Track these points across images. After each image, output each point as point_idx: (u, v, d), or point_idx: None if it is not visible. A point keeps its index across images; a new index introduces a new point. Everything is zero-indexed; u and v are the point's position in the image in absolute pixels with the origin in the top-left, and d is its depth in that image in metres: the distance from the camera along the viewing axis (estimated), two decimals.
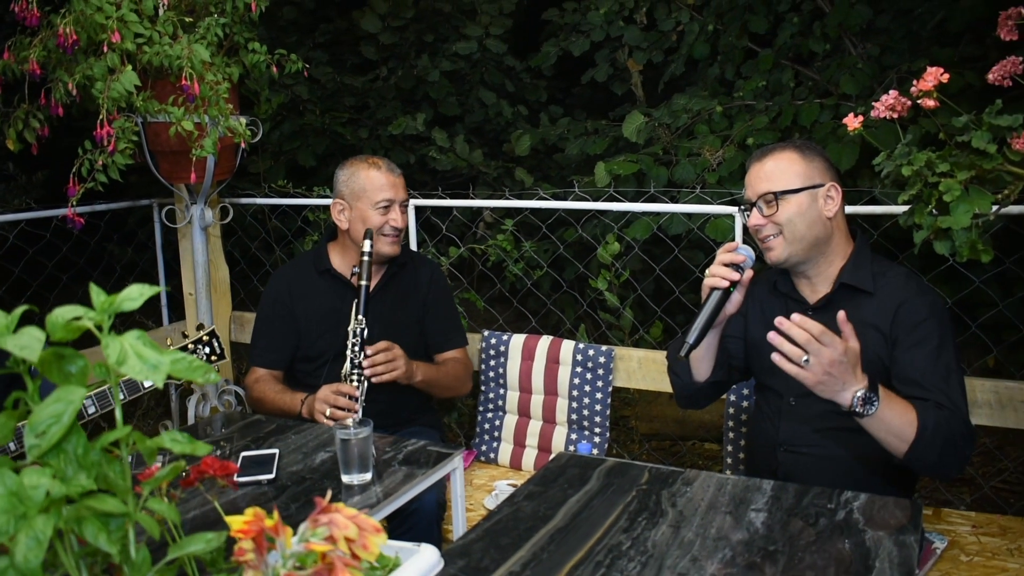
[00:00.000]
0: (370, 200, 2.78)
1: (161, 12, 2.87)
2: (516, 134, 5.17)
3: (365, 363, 2.60)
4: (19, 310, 1.23)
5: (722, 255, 2.12)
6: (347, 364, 2.60)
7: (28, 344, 1.13)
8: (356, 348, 2.60)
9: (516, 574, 1.55)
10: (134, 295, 1.19)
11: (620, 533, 1.69)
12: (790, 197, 2.12)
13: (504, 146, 5.91)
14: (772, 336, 1.83)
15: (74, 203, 2.77)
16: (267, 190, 3.86)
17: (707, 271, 2.12)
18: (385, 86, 5.99)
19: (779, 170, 2.15)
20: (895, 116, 2.42)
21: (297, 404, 2.69)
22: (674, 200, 3.55)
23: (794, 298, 2.25)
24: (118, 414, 1.20)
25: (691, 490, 1.87)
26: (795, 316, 1.82)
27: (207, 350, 2.63)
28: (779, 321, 1.82)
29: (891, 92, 2.42)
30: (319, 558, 1.21)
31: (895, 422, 1.88)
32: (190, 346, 2.59)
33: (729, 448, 2.79)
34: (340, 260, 2.92)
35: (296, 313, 2.87)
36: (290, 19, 6.18)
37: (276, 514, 1.22)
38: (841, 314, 1.85)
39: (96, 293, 1.19)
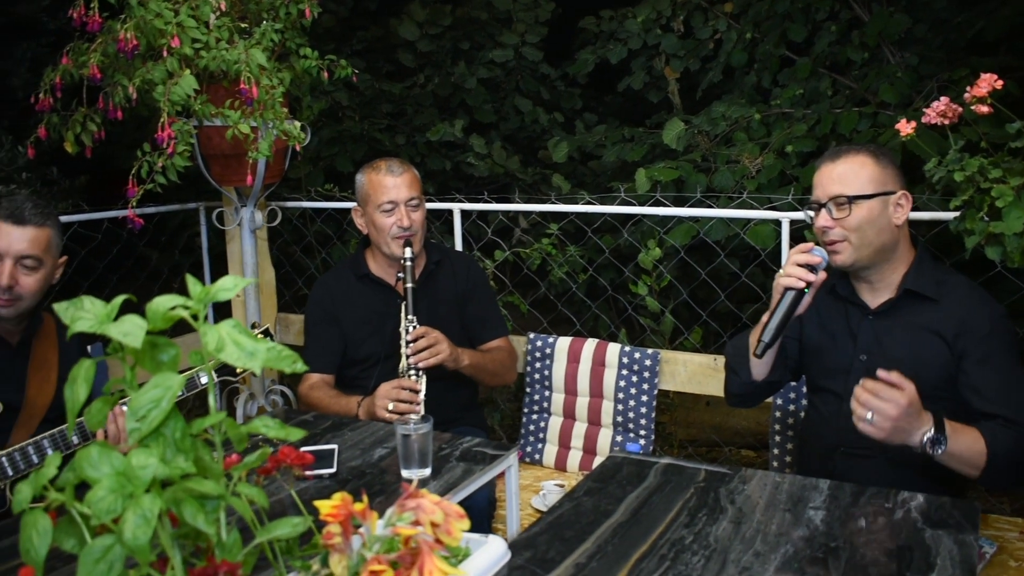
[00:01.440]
0: (375, 204, 2.83)
1: (215, 19, 2.94)
2: (553, 141, 5.21)
3: (408, 350, 2.66)
4: (118, 299, 1.28)
5: (797, 255, 2.12)
6: (403, 362, 2.66)
7: (131, 331, 1.17)
8: (408, 344, 2.66)
9: (583, 565, 1.58)
10: (228, 285, 1.24)
11: (682, 528, 1.71)
12: (862, 202, 2.12)
13: (540, 153, 5.96)
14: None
15: (134, 204, 2.84)
16: (313, 194, 3.92)
17: (780, 271, 2.13)
18: (422, 93, 6.05)
19: (852, 173, 2.15)
20: (945, 122, 2.45)
21: (353, 406, 2.72)
22: (715, 207, 3.58)
23: (854, 302, 2.27)
24: (212, 401, 1.24)
25: (748, 488, 1.89)
26: (858, 388, 1.90)
27: None
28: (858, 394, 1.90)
29: (942, 99, 2.45)
30: (402, 543, 1.25)
31: (965, 454, 1.95)
32: None
33: (775, 451, 2.80)
34: (375, 265, 2.97)
35: (340, 318, 2.91)
36: (328, 27, 6.26)
37: (365, 499, 1.26)
38: (884, 374, 1.89)
39: (193, 283, 1.23)
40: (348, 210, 3.95)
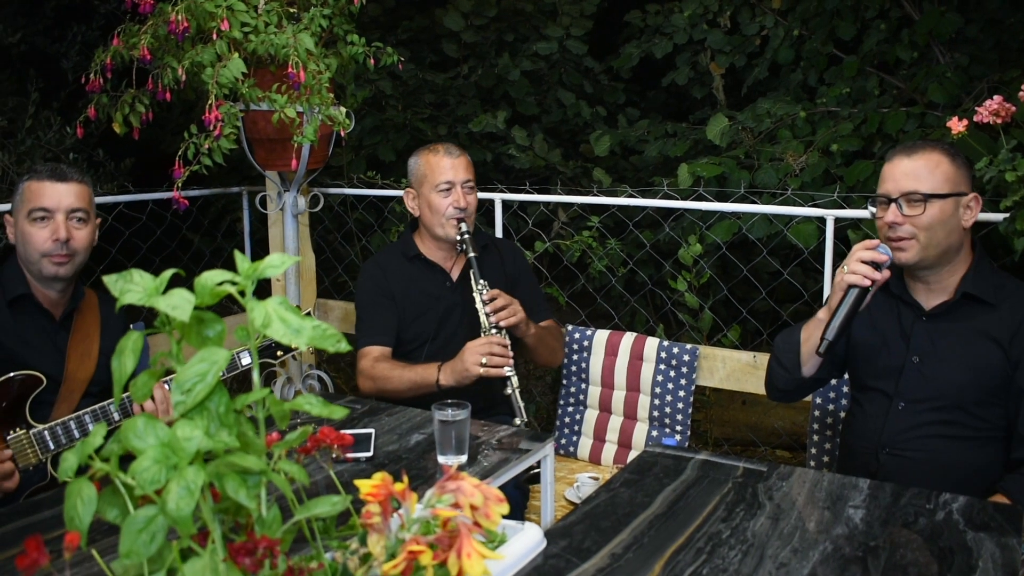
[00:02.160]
0: (431, 184, 2.88)
1: (264, 3, 2.96)
2: (595, 134, 5.19)
3: (488, 310, 2.72)
4: (167, 273, 1.30)
5: (863, 252, 2.07)
6: (484, 321, 2.74)
7: (179, 304, 1.18)
8: (486, 304, 2.74)
9: (619, 556, 1.57)
10: (276, 263, 1.24)
11: (719, 522, 1.70)
12: (936, 202, 2.08)
13: (581, 147, 5.93)
14: None
15: (179, 185, 2.87)
16: (355, 181, 3.94)
17: (844, 267, 2.09)
18: (465, 84, 6.05)
19: (927, 170, 2.10)
20: (998, 121, 2.41)
21: (433, 372, 2.73)
22: (758, 203, 3.55)
23: (907, 301, 2.23)
24: (255, 376, 1.25)
25: (787, 485, 1.88)
26: None
27: None
28: None
29: (995, 97, 2.41)
30: (441, 525, 1.25)
31: None
32: None
33: (813, 451, 2.77)
34: (425, 247, 2.99)
35: (394, 294, 2.94)
36: (374, 16, 6.28)
37: (406, 479, 1.26)
38: None
39: (241, 260, 1.24)
40: (389, 198, 3.97)
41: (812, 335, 2.19)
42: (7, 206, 2.44)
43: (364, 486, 1.27)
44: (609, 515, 1.74)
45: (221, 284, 1.20)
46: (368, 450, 2.16)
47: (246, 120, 3.16)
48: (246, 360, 2.56)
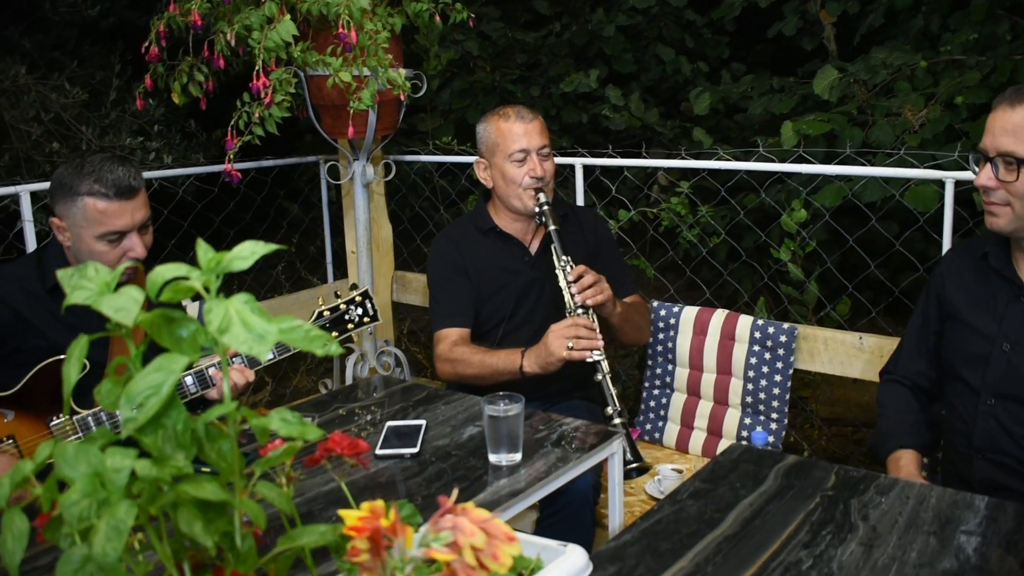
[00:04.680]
0: (504, 153, 2.66)
1: None
2: (694, 92, 4.84)
3: (574, 289, 2.51)
4: (121, 267, 1.12)
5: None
6: (568, 301, 2.53)
7: (124, 306, 1.01)
8: (571, 284, 2.53)
9: None
10: (244, 254, 1.05)
11: (800, 548, 1.44)
12: None
13: (682, 105, 5.59)
14: None
15: (231, 157, 2.72)
16: (432, 147, 3.74)
17: None
18: (558, 42, 5.77)
19: None
20: None
21: (517, 358, 2.52)
22: (869, 164, 3.17)
23: (1005, 276, 1.90)
24: (226, 388, 1.06)
25: (886, 501, 1.59)
26: None
27: (359, 311, 2.51)
28: None
29: None
30: (443, 565, 1.04)
31: None
32: (342, 306, 2.48)
33: None
34: (499, 220, 2.78)
35: (468, 271, 2.74)
36: None
37: (393, 513, 1.06)
38: None
39: (203, 251, 1.06)
40: (467, 165, 3.76)
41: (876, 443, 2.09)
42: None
43: (349, 517, 1.07)
44: (670, 535, 1.50)
45: (181, 279, 1.02)
46: (414, 445, 1.97)
47: (311, 86, 2.99)
48: None
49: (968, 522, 1.50)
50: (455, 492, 1.07)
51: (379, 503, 1.07)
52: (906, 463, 2.01)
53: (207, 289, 1.03)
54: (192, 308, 3.12)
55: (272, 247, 1.05)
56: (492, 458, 1.90)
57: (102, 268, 1.07)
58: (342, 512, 1.07)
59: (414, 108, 5.17)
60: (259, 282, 4.10)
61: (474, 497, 1.76)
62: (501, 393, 1.90)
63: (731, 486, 1.68)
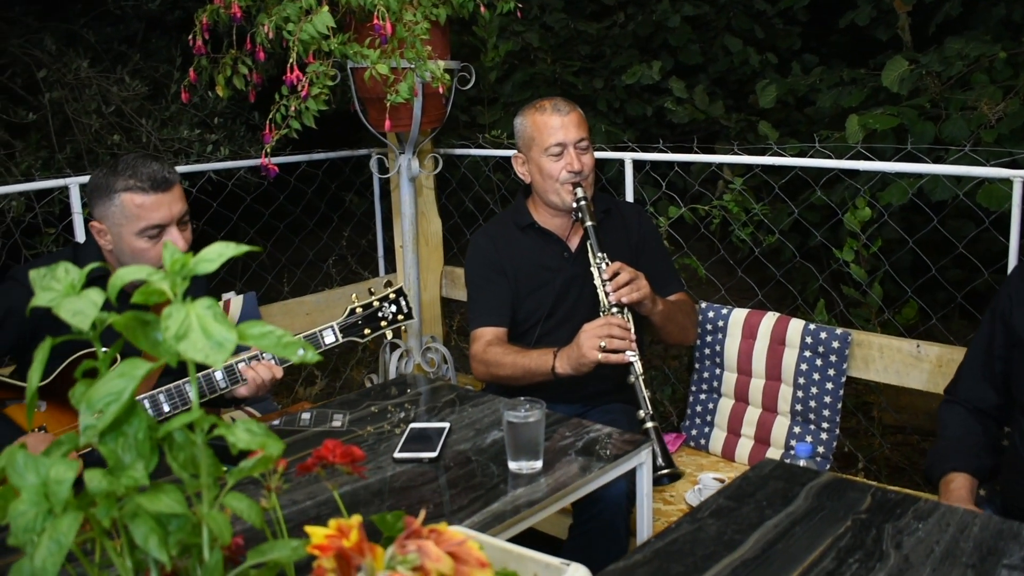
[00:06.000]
0: (541, 147, 2.58)
1: None
2: (761, 84, 4.67)
3: (609, 287, 2.43)
4: (88, 267, 1.08)
5: None
6: (603, 299, 2.45)
7: (82, 310, 0.97)
8: (606, 282, 2.45)
9: None
10: (211, 256, 1.01)
11: None
12: None
13: (749, 98, 5.42)
14: None
15: (268, 150, 2.70)
16: (480, 141, 3.68)
17: None
18: (622, 33, 5.65)
19: None
20: None
21: (549, 359, 2.46)
22: (939, 160, 2.99)
23: None
24: (194, 395, 1.01)
25: (924, 528, 1.47)
26: None
27: (393, 309, 2.47)
28: None
29: None
30: None
31: None
32: (375, 304, 2.44)
33: None
34: (538, 216, 2.71)
35: (506, 269, 2.68)
36: None
37: (356, 533, 1.00)
38: None
39: (170, 252, 1.01)
40: None
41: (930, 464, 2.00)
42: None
43: (316, 535, 1.01)
44: (685, 556, 1.41)
45: (142, 283, 0.98)
46: (434, 450, 1.92)
47: (357, 79, 2.96)
48: (329, 339, 2.38)
49: (1012, 555, 1.38)
50: (422, 513, 1.01)
51: (347, 522, 1.02)
52: (957, 487, 1.88)
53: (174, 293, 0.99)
54: (236, 301, 3.13)
55: (244, 248, 1.00)
56: (512, 465, 1.84)
57: (72, 269, 1.04)
58: (308, 529, 1.02)
59: (474, 100, 5.12)
60: (310, 276, 4.10)
61: (488, 506, 1.70)
62: (523, 398, 1.83)
63: (757, 504, 1.58)
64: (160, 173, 2.21)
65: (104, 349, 1.06)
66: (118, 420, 0.99)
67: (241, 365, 2.27)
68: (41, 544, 0.88)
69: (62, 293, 1.01)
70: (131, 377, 0.98)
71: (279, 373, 2.28)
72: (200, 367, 2.22)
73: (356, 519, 0.99)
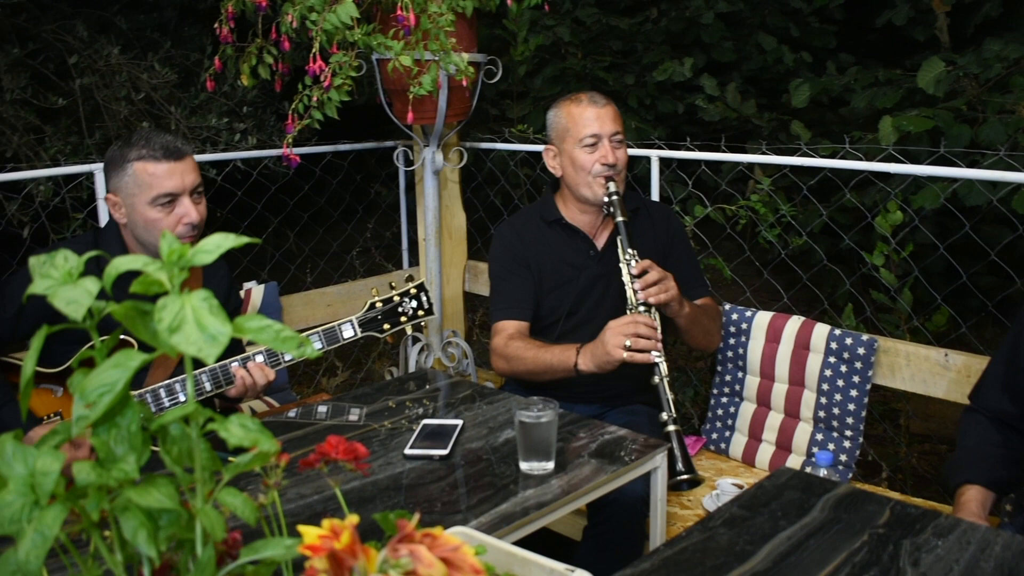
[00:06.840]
0: (575, 138, 2.54)
1: None
2: (795, 83, 4.60)
3: (637, 285, 2.39)
4: (87, 255, 1.07)
5: None
6: (630, 296, 2.41)
7: (76, 299, 0.96)
8: (635, 279, 2.41)
9: None
10: (209, 248, 0.99)
11: None
12: None
13: (783, 97, 5.34)
14: None
15: (290, 140, 2.69)
16: (506, 134, 3.65)
17: None
18: (654, 29, 5.58)
19: None
20: None
21: (571, 355, 2.42)
22: (974, 164, 2.92)
23: None
24: (190, 388, 1.00)
25: (943, 545, 1.42)
26: None
27: (414, 304, 2.45)
28: None
29: None
30: None
31: None
32: (395, 298, 2.42)
33: None
34: (566, 211, 2.68)
35: (530, 263, 2.65)
36: None
37: (347, 535, 0.97)
38: None
39: (167, 243, 0.99)
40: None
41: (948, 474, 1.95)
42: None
43: (308, 534, 0.99)
44: (694, 566, 1.38)
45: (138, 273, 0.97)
46: (445, 447, 1.89)
47: (383, 70, 2.94)
48: (347, 333, 2.36)
49: None
50: (416, 516, 0.98)
51: (340, 522, 0.99)
52: (968, 499, 1.83)
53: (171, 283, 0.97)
54: (257, 291, 3.12)
55: (243, 240, 0.98)
56: (523, 466, 1.81)
57: (71, 256, 1.03)
58: (301, 528, 1.00)
59: (504, 95, 5.08)
60: (334, 267, 4.09)
61: (498, 507, 1.67)
62: (536, 398, 1.80)
63: (771, 515, 1.54)
64: (173, 143, 2.23)
65: (102, 338, 1.04)
66: (111, 411, 0.98)
67: (234, 365, 2.26)
68: (26, 536, 0.86)
69: (59, 281, 0.99)
70: (125, 368, 0.96)
71: (272, 376, 2.27)
72: (197, 363, 2.21)
73: (351, 519, 0.97)
